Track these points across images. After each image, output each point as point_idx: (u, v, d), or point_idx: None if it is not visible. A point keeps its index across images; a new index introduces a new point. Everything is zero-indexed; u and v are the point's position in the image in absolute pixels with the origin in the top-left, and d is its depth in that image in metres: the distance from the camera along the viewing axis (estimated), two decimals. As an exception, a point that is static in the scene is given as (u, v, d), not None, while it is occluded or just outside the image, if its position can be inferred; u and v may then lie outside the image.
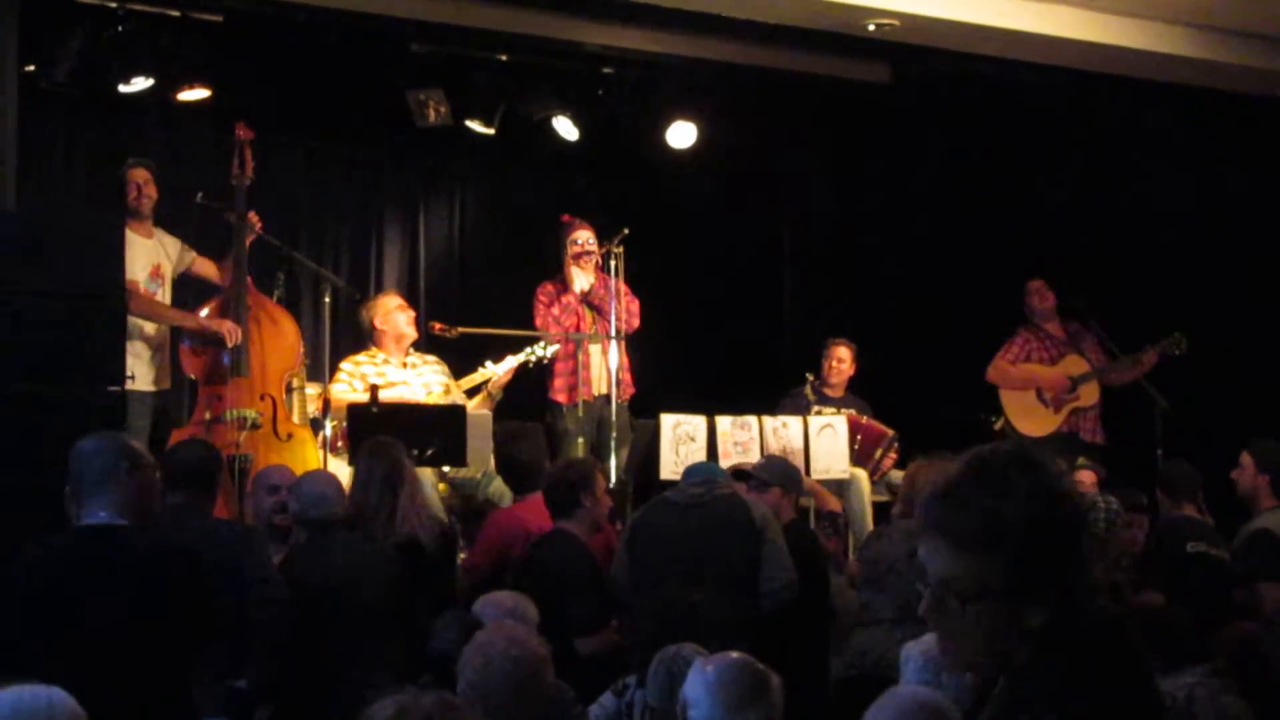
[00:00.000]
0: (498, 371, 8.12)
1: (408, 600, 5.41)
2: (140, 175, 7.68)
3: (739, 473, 6.63)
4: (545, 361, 8.30)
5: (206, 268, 8.00)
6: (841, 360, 9.06)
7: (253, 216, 7.92)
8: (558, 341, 8.32)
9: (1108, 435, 9.22)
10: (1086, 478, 7.71)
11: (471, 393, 8.14)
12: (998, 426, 9.18)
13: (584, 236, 8.54)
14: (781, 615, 5.79)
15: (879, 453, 8.48)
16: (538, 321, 8.44)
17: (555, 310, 8.44)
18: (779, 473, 6.49)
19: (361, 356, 8.12)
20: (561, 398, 8.38)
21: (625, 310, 8.38)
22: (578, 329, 8.40)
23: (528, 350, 8.23)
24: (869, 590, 5.90)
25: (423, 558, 5.69)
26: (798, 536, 6.22)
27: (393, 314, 8.14)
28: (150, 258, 7.67)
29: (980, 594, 2.15)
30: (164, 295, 7.77)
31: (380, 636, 5.21)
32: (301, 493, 5.59)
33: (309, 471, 5.97)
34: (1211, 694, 4.54)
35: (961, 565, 2.16)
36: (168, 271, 7.79)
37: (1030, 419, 9.18)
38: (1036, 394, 9.23)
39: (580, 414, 8.25)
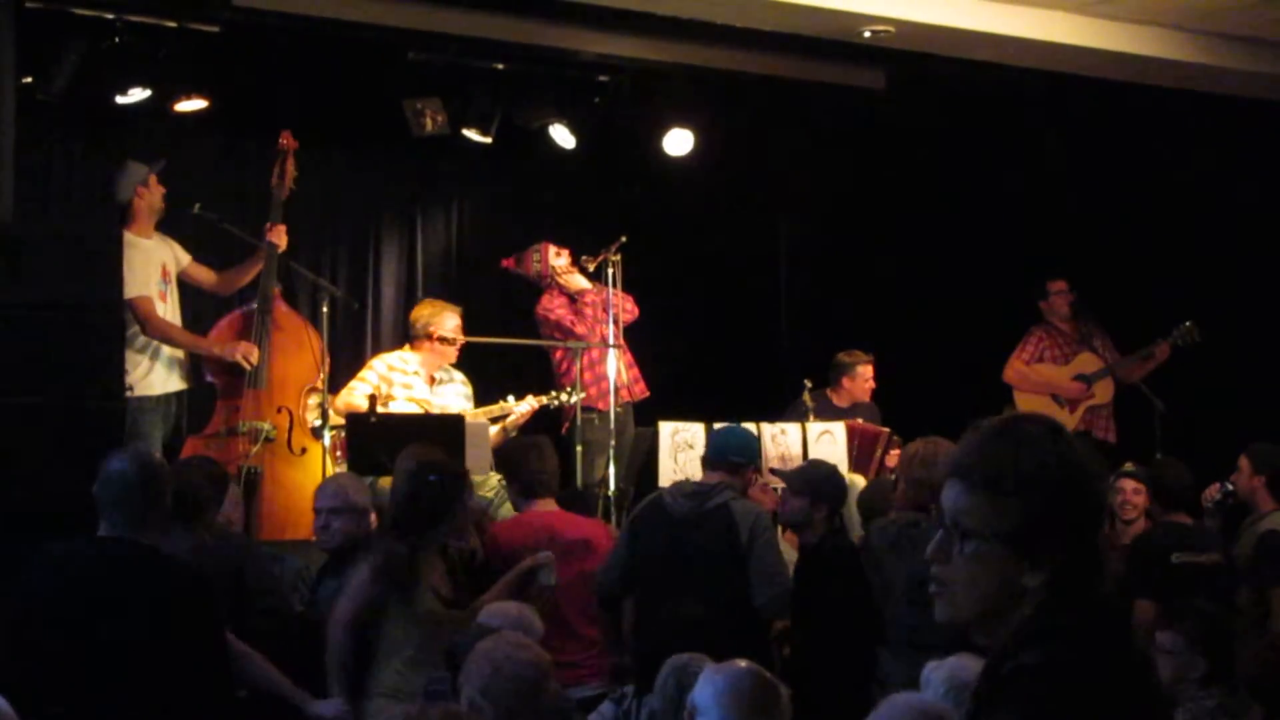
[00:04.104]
0: (519, 410, 8.06)
1: None
2: (140, 173, 7.69)
3: (779, 474, 6.75)
4: (567, 406, 8.18)
5: (201, 273, 8.00)
6: (868, 380, 9.06)
7: (279, 232, 7.88)
8: (571, 349, 8.30)
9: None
10: (1128, 485, 7.27)
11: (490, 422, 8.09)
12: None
13: (557, 252, 8.60)
14: (827, 639, 5.69)
15: (878, 452, 8.47)
16: (580, 330, 8.39)
17: (589, 312, 8.43)
18: (809, 481, 6.13)
19: (396, 361, 8.08)
20: (600, 404, 8.30)
21: (624, 308, 8.43)
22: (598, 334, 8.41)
23: (551, 394, 8.16)
24: (914, 611, 5.41)
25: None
26: (834, 553, 5.93)
27: (449, 346, 8.08)
28: (157, 257, 7.67)
29: (981, 532, 2.19)
30: (173, 295, 7.76)
31: None
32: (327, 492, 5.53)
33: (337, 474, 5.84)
34: (1233, 715, 4.42)
35: (970, 502, 2.21)
36: (173, 270, 7.80)
37: (1044, 418, 9.16)
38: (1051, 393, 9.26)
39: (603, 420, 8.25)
